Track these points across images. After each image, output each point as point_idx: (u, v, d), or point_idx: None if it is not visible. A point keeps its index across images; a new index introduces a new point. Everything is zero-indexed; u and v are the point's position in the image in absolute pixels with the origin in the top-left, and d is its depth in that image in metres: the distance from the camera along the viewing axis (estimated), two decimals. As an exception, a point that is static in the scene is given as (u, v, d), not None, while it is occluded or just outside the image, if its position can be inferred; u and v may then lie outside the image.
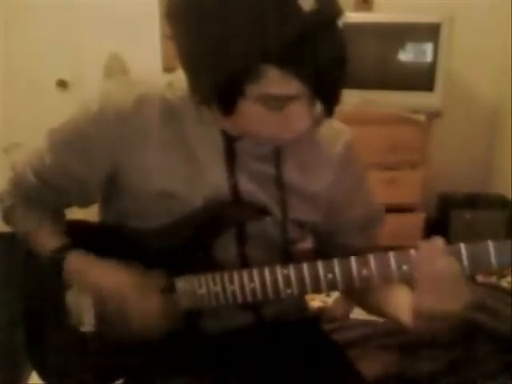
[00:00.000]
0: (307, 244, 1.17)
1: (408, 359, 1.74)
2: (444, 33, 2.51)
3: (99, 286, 1.03)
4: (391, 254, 0.89)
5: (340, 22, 0.81)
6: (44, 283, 1.12)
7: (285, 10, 0.73)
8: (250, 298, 0.96)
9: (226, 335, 1.07)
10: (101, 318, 1.06)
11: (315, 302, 2.18)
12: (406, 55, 2.59)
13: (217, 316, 1.03)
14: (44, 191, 1.04)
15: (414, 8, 2.68)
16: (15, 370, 1.75)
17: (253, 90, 0.79)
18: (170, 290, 1.00)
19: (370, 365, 1.62)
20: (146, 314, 1.00)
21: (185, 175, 0.96)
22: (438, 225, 2.89)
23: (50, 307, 1.13)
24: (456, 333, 1.82)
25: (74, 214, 1.15)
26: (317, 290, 0.93)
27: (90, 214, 1.13)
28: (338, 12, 0.81)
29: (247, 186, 0.98)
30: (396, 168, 2.66)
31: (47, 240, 1.07)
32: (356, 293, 1.03)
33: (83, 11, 2.80)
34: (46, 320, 1.14)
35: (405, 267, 0.88)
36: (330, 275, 0.91)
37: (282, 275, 0.93)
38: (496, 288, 2.25)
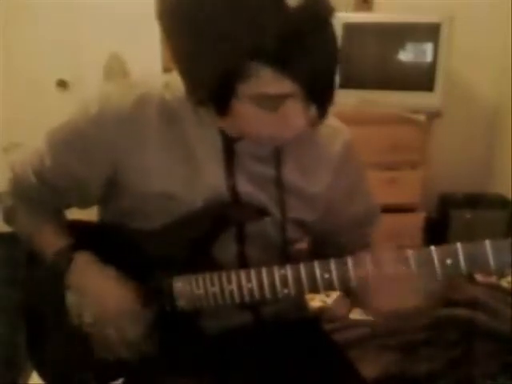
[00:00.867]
0: (305, 244, 1.18)
1: (408, 359, 1.74)
2: (444, 33, 2.51)
3: (95, 294, 1.03)
4: (387, 253, 0.89)
5: (332, 20, 0.79)
6: (46, 283, 1.12)
7: (270, 7, 0.73)
8: (247, 298, 0.96)
9: (225, 335, 1.07)
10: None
11: (315, 302, 2.18)
12: (406, 55, 2.59)
13: (216, 316, 1.03)
14: (44, 191, 1.04)
15: (414, 8, 2.67)
16: (15, 370, 1.75)
17: (245, 89, 0.79)
18: (167, 290, 1.01)
19: (370, 365, 1.62)
20: (121, 331, 1.01)
21: (184, 176, 0.97)
22: (438, 225, 2.89)
23: (52, 307, 1.13)
24: (456, 333, 1.82)
25: (74, 214, 1.15)
26: (313, 289, 0.93)
27: (89, 214, 1.14)
28: (327, 10, 0.79)
29: (246, 187, 0.98)
30: (396, 168, 2.66)
31: (50, 241, 1.07)
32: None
33: (83, 11, 2.79)
34: (47, 319, 1.14)
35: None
36: (326, 275, 0.91)
37: (279, 275, 0.93)
38: (496, 288, 2.25)
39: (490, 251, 0.83)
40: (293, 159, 1.00)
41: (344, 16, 2.58)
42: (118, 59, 2.81)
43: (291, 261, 0.95)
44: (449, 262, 0.84)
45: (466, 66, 2.88)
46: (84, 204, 1.09)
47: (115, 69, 2.82)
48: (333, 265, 0.91)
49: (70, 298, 1.09)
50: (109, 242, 1.06)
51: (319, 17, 0.76)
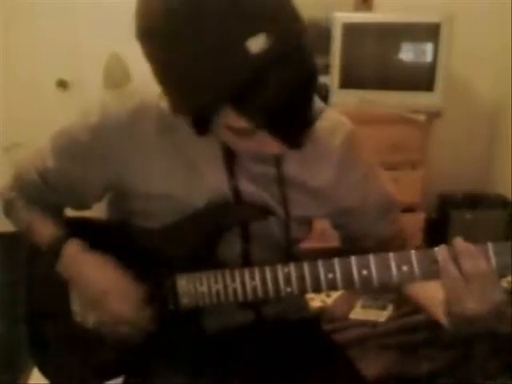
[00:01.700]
0: (309, 243, 1.18)
1: (408, 359, 1.74)
2: (444, 33, 2.51)
3: (86, 279, 1.04)
4: (391, 255, 0.89)
5: (302, 50, 0.78)
6: (47, 280, 1.12)
7: (232, 54, 0.73)
8: (250, 296, 0.96)
9: (226, 334, 1.07)
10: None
11: (315, 302, 2.18)
12: (406, 55, 2.59)
13: (217, 314, 1.04)
14: (44, 190, 1.06)
15: (414, 8, 2.67)
16: (15, 370, 1.76)
17: (217, 120, 0.81)
18: (171, 287, 1.01)
19: (370, 364, 1.62)
20: (117, 318, 1.02)
21: (185, 181, 0.98)
22: (438, 225, 2.89)
23: (54, 304, 1.14)
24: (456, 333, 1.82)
25: (72, 212, 1.16)
26: (317, 289, 0.93)
27: (88, 213, 1.14)
28: (296, 39, 0.77)
29: (248, 188, 0.99)
30: (396, 168, 2.66)
31: (46, 231, 1.08)
32: None
33: (83, 11, 2.80)
34: (50, 317, 1.15)
35: (405, 268, 0.88)
36: (330, 275, 0.91)
37: (283, 273, 0.94)
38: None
39: (492, 255, 0.83)
40: (293, 155, 0.99)
41: (344, 16, 2.58)
42: (118, 59, 2.81)
43: (296, 260, 0.95)
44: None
45: (465, 66, 2.88)
46: (80, 207, 1.11)
47: (115, 69, 2.82)
48: (337, 265, 0.91)
49: (74, 295, 1.10)
50: (114, 240, 1.07)
51: (282, 59, 0.75)
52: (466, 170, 3.07)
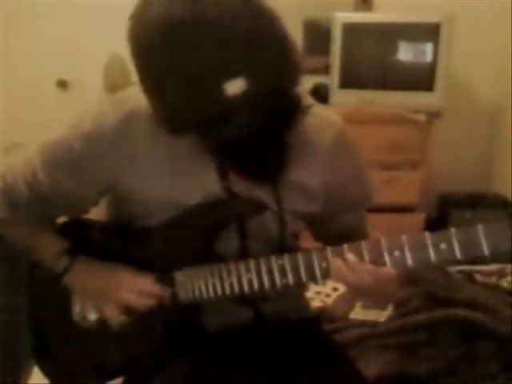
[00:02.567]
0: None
1: (408, 359, 1.74)
2: (444, 33, 2.51)
3: (96, 280, 1.06)
4: (383, 240, 0.90)
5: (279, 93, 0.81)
6: (48, 284, 1.13)
7: (210, 91, 0.77)
8: (246, 289, 0.97)
9: (226, 331, 1.08)
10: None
11: (315, 302, 2.18)
12: (406, 55, 2.59)
13: (216, 312, 1.05)
14: (35, 202, 1.05)
15: (414, 8, 2.67)
16: (15, 370, 1.76)
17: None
18: (169, 283, 1.03)
19: (370, 364, 1.62)
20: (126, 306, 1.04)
21: (178, 184, 0.98)
22: (438, 225, 2.89)
23: (54, 307, 1.14)
24: (456, 333, 1.82)
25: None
26: (311, 278, 0.94)
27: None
28: (279, 87, 0.81)
29: (241, 186, 0.99)
30: (396, 168, 2.66)
31: (44, 246, 1.09)
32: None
33: (83, 11, 2.80)
34: (51, 319, 1.15)
35: (396, 253, 0.89)
36: (324, 264, 0.93)
37: (277, 265, 0.95)
38: (496, 288, 2.25)
39: (482, 235, 0.84)
40: None
41: (344, 16, 2.58)
42: (118, 59, 2.81)
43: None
44: (443, 246, 0.86)
45: (465, 66, 2.88)
46: (77, 214, 1.12)
47: (115, 69, 2.82)
48: (330, 253, 0.92)
49: (74, 298, 1.11)
50: (114, 240, 1.09)
51: (256, 101, 0.78)
52: (466, 169, 3.07)
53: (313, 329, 1.19)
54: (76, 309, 1.12)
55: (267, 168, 0.90)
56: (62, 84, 2.92)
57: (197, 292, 1.01)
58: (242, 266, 0.97)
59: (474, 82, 2.99)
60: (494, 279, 2.35)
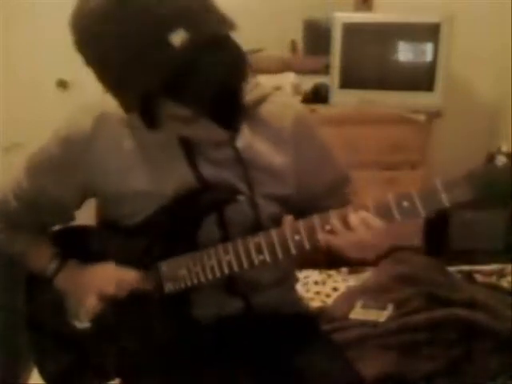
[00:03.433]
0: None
1: (408, 359, 1.74)
2: (444, 33, 2.51)
3: (87, 277, 1.11)
4: (349, 208, 0.94)
5: (225, 38, 0.86)
6: (46, 287, 1.15)
7: (158, 48, 0.81)
8: (226, 271, 1.01)
9: (218, 324, 1.10)
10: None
11: (315, 302, 2.18)
12: (406, 55, 2.58)
13: (207, 304, 1.08)
14: (25, 213, 1.11)
15: (414, 8, 2.67)
16: (15, 370, 1.76)
17: (160, 112, 0.89)
18: (154, 275, 1.06)
19: (370, 365, 1.62)
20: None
21: (152, 177, 1.03)
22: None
23: (52, 309, 1.16)
24: (456, 333, 1.82)
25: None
26: (286, 252, 0.97)
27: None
28: (220, 32, 0.85)
29: (211, 172, 1.03)
30: (396, 168, 2.66)
31: (37, 255, 1.14)
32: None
33: (83, 11, 2.79)
34: (48, 321, 1.17)
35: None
36: (296, 237, 0.96)
37: (254, 243, 0.99)
38: (496, 288, 2.25)
39: (441, 189, 0.92)
40: (247, 138, 1.04)
41: (344, 16, 2.58)
42: (118, 59, 2.81)
43: None
44: (405, 204, 0.92)
45: (465, 66, 2.88)
46: (64, 220, 1.17)
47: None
48: (301, 226, 0.95)
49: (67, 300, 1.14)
50: (100, 243, 1.13)
51: (205, 48, 0.83)
52: (466, 169, 3.07)
53: (311, 329, 1.20)
54: (70, 310, 1.13)
55: (234, 115, 0.93)
56: (62, 84, 2.92)
57: (182, 281, 1.04)
58: (220, 248, 1.01)
59: (474, 82, 2.99)
60: (494, 279, 2.35)
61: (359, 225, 0.92)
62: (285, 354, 1.10)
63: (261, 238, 0.99)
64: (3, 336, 1.71)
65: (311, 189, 1.12)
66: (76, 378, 1.14)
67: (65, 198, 1.08)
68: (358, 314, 2.00)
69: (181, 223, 1.04)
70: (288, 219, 1.11)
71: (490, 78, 2.96)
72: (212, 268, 1.02)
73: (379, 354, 1.75)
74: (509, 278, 2.34)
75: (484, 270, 2.42)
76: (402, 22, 2.60)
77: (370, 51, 2.64)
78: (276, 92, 1.10)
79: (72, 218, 1.16)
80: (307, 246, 0.96)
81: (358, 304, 2.05)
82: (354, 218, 0.93)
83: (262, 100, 1.05)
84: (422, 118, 2.56)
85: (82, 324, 1.12)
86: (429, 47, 2.55)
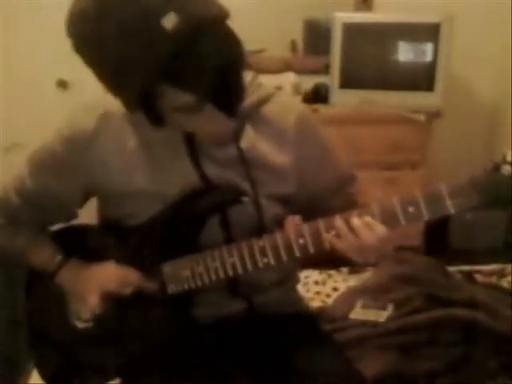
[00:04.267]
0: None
1: (408, 359, 1.74)
2: (444, 33, 2.51)
3: (89, 275, 1.10)
4: (354, 212, 0.94)
5: (220, 23, 0.87)
6: (46, 286, 1.15)
7: (151, 34, 0.82)
8: (230, 273, 1.01)
9: (219, 324, 1.10)
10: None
11: (315, 302, 2.18)
12: (406, 55, 2.59)
13: (209, 304, 1.08)
14: (27, 210, 1.10)
15: (414, 8, 2.67)
16: (15, 370, 1.76)
17: (162, 104, 0.89)
18: (157, 276, 1.06)
19: (370, 364, 1.62)
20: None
21: (155, 177, 1.02)
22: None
23: (52, 309, 1.16)
24: (456, 333, 1.82)
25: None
26: (291, 255, 0.97)
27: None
28: (209, 17, 0.85)
29: (215, 172, 1.03)
30: (396, 168, 2.66)
31: (38, 252, 1.14)
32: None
33: (83, 11, 2.79)
34: (48, 321, 1.17)
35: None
36: (301, 240, 0.96)
37: (258, 246, 0.98)
38: (496, 288, 2.25)
39: (446, 195, 0.90)
40: (251, 138, 1.04)
41: (344, 16, 2.58)
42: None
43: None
44: (411, 209, 0.92)
45: (465, 66, 2.88)
46: (66, 218, 1.16)
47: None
48: (306, 229, 0.95)
49: (69, 298, 1.13)
50: (102, 243, 1.13)
51: (198, 30, 0.83)
52: (466, 169, 3.06)
53: (312, 328, 1.20)
54: (71, 309, 1.13)
55: (235, 98, 0.93)
56: (62, 84, 2.92)
57: (185, 282, 1.04)
58: (225, 251, 1.01)
59: (474, 82, 3.00)
60: (494, 279, 2.36)
61: (364, 229, 0.92)
62: (286, 353, 1.10)
63: (265, 241, 0.98)
64: (3, 336, 1.71)
65: (315, 188, 1.11)
66: (76, 378, 1.14)
67: (67, 196, 1.08)
68: (358, 314, 2.00)
69: (184, 224, 1.04)
70: (295, 220, 1.11)
71: (490, 78, 2.96)
72: (216, 270, 1.01)
73: (379, 354, 1.75)
74: (509, 278, 2.34)
75: (484, 269, 2.42)
76: (402, 22, 2.60)
77: (370, 51, 2.64)
78: (279, 92, 1.10)
79: (74, 216, 1.16)
80: (312, 249, 0.96)
81: (358, 304, 2.05)
82: (358, 223, 0.92)
83: (265, 100, 1.05)
84: (422, 117, 2.56)
85: (83, 324, 1.12)
86: (429, 47, 2.55)
